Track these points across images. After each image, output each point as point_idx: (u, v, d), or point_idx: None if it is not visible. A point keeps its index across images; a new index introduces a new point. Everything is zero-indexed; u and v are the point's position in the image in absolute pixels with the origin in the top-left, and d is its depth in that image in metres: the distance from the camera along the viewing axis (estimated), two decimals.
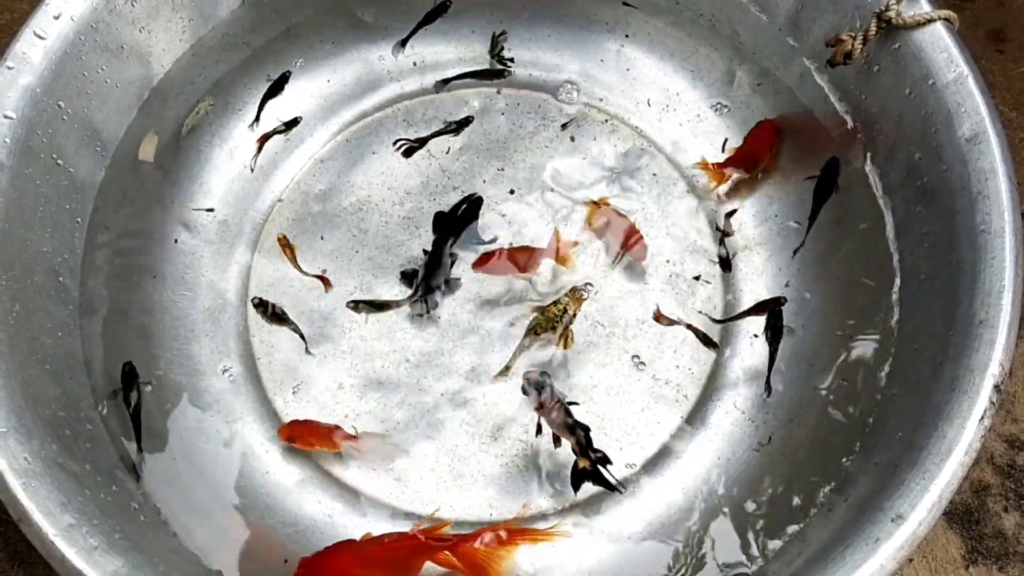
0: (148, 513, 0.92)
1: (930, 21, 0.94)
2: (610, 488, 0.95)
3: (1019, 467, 1.10)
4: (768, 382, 1.03)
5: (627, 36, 1.21)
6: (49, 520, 0.78)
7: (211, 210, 1.12)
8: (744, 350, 1.06)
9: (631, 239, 1.08)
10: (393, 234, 1.13)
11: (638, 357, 1.06)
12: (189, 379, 1.05)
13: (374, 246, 1.13)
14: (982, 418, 0.79)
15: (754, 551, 0.93)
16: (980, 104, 0.91)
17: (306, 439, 1.00)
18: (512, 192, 1.15)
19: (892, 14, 0.95)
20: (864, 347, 0.99)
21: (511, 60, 1.21)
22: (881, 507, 0.79)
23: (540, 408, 0.97)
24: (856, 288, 1.03)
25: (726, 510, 0.97)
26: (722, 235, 1.11)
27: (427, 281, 1.07)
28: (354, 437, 1.01)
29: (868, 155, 1.04)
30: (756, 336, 1.06)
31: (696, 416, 1.04)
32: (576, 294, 1.05)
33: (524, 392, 0.98)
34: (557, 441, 0.97)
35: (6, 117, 0.93)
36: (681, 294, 1.09)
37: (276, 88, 1.18)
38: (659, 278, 1.10)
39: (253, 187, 1.16)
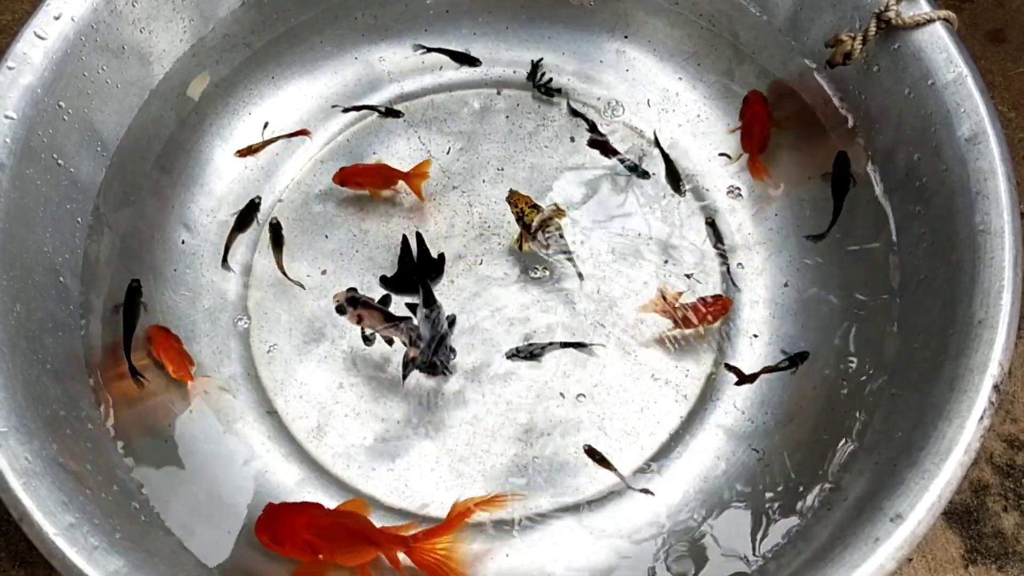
0: (149, 513, 0.92)
1: (929, 21, 0.94)
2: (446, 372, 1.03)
3: (1018, 467, 1.10)
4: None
5: (627, 36, 1.21)
6: (50, 520, 0.78)
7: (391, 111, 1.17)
8: (744, 351, 1.06)
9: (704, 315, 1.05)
10: (393, 234, 1.13)
11: (638, 357, 1.06)
12: None
13: (374, 246, 1.13)
14: (981, 418, 0.79)
15: (753, 551, 0.93)
16: (979, 104, 0.91)
17: (158, 351, 1.01)
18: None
19: (891, 14, 0.95)
20: (864, 346, 0.99)
21: (558, 90, 1.20)
22: (880, 507, 0.79)
23: (359, 320, 1.00)
24: (855, 288, 1.03)
25: (725, 510, 0.97)
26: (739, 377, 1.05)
27: (435, 332, 1.05)
28: (191, 377, 1.01)
29: (868, 155, 1.04)
30: (756, 336, 1.06)
31: (696, 416, 1.04)
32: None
33: (340, 312, 1.00)
34: (370, 341, 1.03)
35: (7, 117, 0.93)
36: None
37: (459, 60, 1.21)
38: (658, 278, 1.10)
39: (253, 187, 1.16)
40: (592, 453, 1.01)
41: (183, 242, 1.11)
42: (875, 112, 1.02)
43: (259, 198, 1.13)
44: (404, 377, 1.03)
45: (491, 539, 0.98)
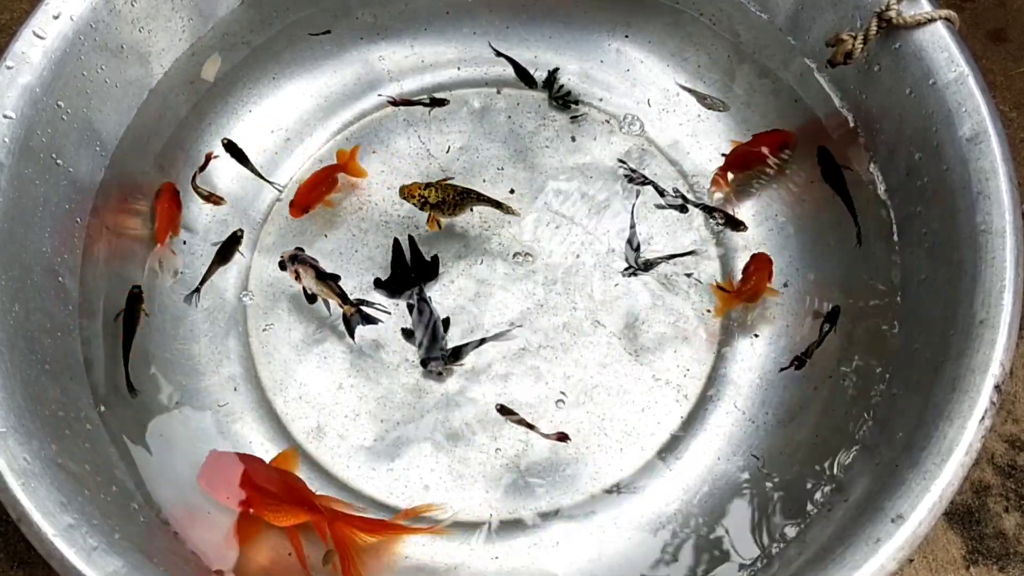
0: (148, 513, 0.91)
1: (930, 21, 0.94)
2: (375, 321, 1.05)
3: (1020, 467, 1.10)
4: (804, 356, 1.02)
5: (627, 36, 1.21)
6: (49, 520, 0.78)
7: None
8: (744, 350, 1.06)
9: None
10: (393, 234, 1.13)
11: (638, 358, 1.06)
12: (189, 379, 1.05)
13: (374, 246, 1.13)
14: (983, 418, 0.79)
15: (754, 551, 0.93)
16: (981, 104, 0.91)
17: (157, 203, 1.07)
18: (512, 192, 1.15)
19: (892, 14, 0.95)
20: (864, 347, 0.99)
21: (576, 102, 1.19)
22: (881, 507, 0.79)
23: (296, 277, 1.03)
24: (856, 288, 1.03)
25: (726, 510, 0.97)
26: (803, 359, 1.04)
27: (433, 339, 1.06)
28: (162, 243, 1.07)
29: (869, 155, 1.04)
30: (756, 336, 1.06)
31: (696, 416, 1.03)
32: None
33: (281, 268, 1.04)
34: (312, 299, 1.05)
35: (6, 117, 0.93)
36: (681, 294, 1.09)
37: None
38: (658, 278, 1.10)
39: (253, 187, 1.16)
40: (504, 411, 1.01)
41: (184, 242, 1.11)
42: (876, 112, 1.02)
43: (241, 231, 1.11)
44: (351, 334, 1.05)
45: (484, 541, 0.98)
